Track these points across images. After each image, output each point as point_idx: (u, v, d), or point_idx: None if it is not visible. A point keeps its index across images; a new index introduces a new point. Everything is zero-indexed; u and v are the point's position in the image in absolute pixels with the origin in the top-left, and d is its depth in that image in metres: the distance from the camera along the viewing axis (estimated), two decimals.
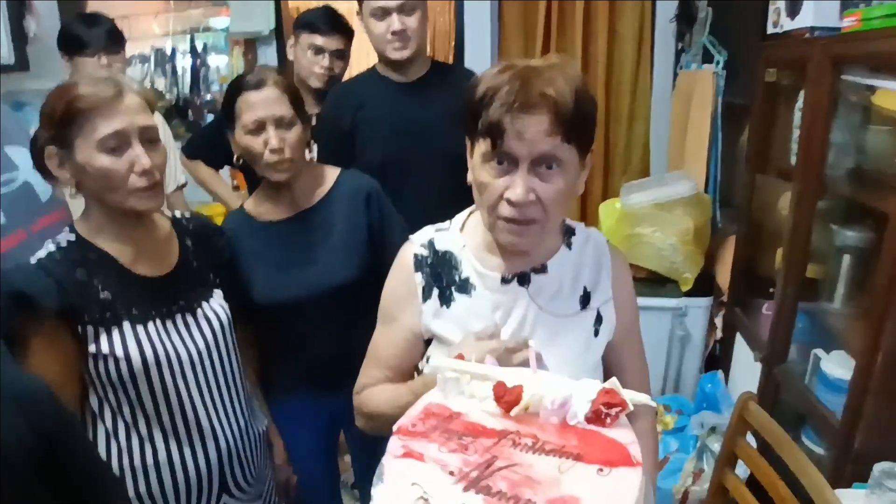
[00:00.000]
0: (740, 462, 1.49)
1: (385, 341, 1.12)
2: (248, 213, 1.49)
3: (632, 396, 0.80)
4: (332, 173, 1.53)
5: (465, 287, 1.05)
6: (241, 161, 1.47)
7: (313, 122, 2.01)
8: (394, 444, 0.75)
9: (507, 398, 0.79)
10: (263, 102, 1.37)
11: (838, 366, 1.51)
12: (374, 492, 0.70)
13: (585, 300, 1.06)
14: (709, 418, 1.99)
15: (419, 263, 1.07)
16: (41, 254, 1.12)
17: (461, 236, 1.09)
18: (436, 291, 1.06)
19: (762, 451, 1.43)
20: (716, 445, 1.92)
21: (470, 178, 1.00)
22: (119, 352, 1.12)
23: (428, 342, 1.09)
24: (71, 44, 1.99)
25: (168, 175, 1.37)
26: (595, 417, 0.78)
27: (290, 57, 2.26)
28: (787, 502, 1.26)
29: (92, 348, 1.11)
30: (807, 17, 1.68)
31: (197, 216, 1.41)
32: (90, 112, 1.08)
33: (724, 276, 2.31)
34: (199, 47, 3.60)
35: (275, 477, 1.48)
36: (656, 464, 1.27)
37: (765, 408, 1.44)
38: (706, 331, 2.46)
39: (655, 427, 1.18)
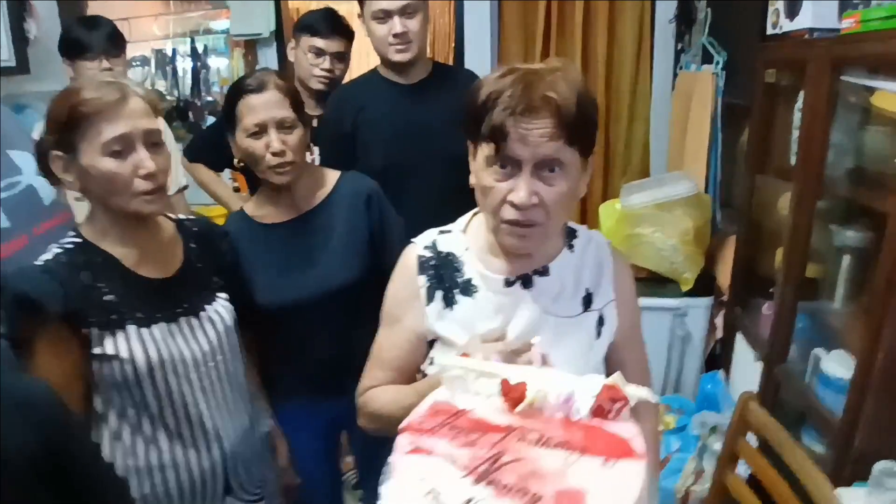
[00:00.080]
0: (741, 461, 1.50)
1: (388, 343, 1.12)
2: (248, 215, 1.50)
3: (634, 391, 0.81)
4: (332, 175, 1.54)
5: (468, 289, 1.05)
6: (241, 164, 1.48)
7: (314, 124, 2.02)
8: (402, 441, 0.76)
9: (512, 395, 0.80)
10: (265, 105, 1.37)
11: (838, 365, 1.52)
12: (383, 488, 0.70)
13: (587, 302, 1.07)
14: (710, 418, 1.99)
15: (422, 265, 1.08)
16: (46, 257, 1.13)
17: (464, 238, 1.09)
18: (439, 293, 1.06)
19: (763, 450, 1.44)
20: (717, 445, 1.93)
21: (472, 181, 1.01)
22: (124, 354, 1.12)
23: (431, 344, 1.09)
24: (72, 47, 1.98)
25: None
26: (599, 412, 0.80)
27: (291, 59, 2.26)
28: (787, 501, 1.27)
29: (97, 350, 1.12)
30: (806, 19, 1.69)
31: (201, 219, 1.42)
32: (95, 116, 1.09)
33: (724, 276, 2.32)
34: (200, 49, 3.61)
35: (278, 478, 1.49)
36: (658, 463, 1.28)
37: (765, 407, 1.45)
38: (706, 331, 2.46)
39: (657, 427, 1.19)
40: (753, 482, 1.44)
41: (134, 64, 3.60)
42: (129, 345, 1.13)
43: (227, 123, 1.44)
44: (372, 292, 1.21)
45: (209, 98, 3.62)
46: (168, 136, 2.11)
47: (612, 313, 1.08)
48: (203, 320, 1.24)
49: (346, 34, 2.18)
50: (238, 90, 1.40)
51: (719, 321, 2.37)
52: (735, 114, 2.38)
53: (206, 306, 1.26)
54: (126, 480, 1.15)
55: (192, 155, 2.30)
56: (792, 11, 1.76)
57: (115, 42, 2.02)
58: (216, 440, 1.25)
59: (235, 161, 1.47)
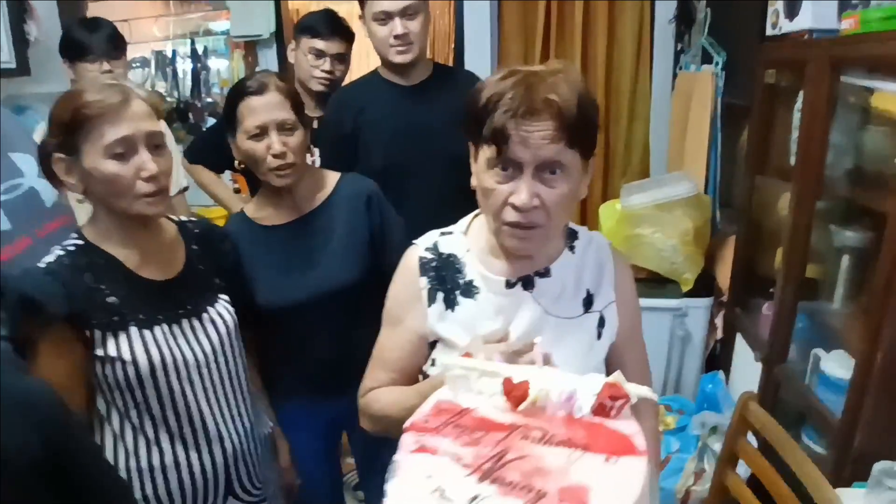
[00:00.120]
0: (741, 462, 1.50)
1: (390, 344, 1.12)
2: (249, 217, 1.50)
3: (635, 389, 0.82)
4: (332, 177, 1.54)
5: (469, 290, 1.06)
6: (242, 165, 1.48)
7: (314, 125, 2.02)
8: (407, 440, 0.77)
9: (515, 393, 0.81)
10: (265, 107, 1.38)
11: (838, 365, 1.52)
12: (388, 487, 0.71)
13: (588, 303, 1.07)
14: (710, 418, 1.99)
15: (424, 267, 1.08)
16: (49, 259, 1.13)
17: (466, 240, 1.10)
18: (440, 295, 1.07)
19: (763, 450, 1.44)
20: (717, 445, 1.93)
21: (474, 182, 1.01)
22: (126, 356, 1.13)
23: (432, 345, 1.10)
24: (72, 49, 1.99)
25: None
26: (600, 410, 0.80)
27: (291, 60, 2.26)
28: (787, 501, 1.27)
29: (99, 352, 1.12)
30: (805, 19, 1.69)
31: (202, 220, 1.42)
32: (97, 119, 1.09)
33: (724, 277, 2.32)
34: (200, 50, 3.61)
35: (279, 479, 1.49)
36: (658, 463, 1.28)
37: (765, 407, 1.45)
38: (706, 331, 2.47)
39: (657, 427, 1.19)
40: (753, 482, 1.44)
41: (134, 65, 3.61)
42: (131, 346, 1.13)
43: (227, 125, 1.45)
44: (372, 293, 1.21)
45: (209, 99, 3.62)
46: (168, 137, 2.12)
47: (613, 314, 1.08)
48: (205, 322, 1.24)
49: (347, 35, 2.19)
50: (239, 92, 1.40)
51: (719, 321, 2.37)
52: (735, 114, 2.38)
53: (208, 308, 1.26)
54: (127, 481, 1.16)
55: (192, 156, 2.31)
56: (791, 12, 1.76)
57: (115, 44, 2.02)
58: (218, 441, 1.25)
59: (236, 162, 1.48)
